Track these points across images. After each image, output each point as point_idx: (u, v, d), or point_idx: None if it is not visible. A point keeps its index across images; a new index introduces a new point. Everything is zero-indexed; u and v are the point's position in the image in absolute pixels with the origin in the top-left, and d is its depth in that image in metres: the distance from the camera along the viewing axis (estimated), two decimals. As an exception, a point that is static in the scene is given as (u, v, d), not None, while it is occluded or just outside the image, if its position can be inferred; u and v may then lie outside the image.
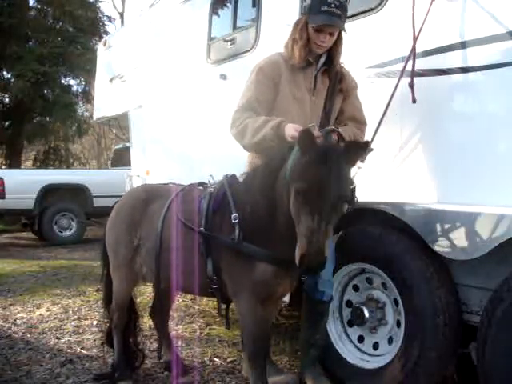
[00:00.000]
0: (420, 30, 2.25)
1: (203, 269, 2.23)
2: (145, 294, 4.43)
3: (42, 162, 16.12)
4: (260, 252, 2.08)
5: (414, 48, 2.26)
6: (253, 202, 2.11)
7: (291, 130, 2.09)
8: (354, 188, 2.06)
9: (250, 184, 2.19)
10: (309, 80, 2.38)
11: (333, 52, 2.37)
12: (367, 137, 2.44)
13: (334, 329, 2.79)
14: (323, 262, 1.70)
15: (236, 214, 2.11)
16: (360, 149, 1.86)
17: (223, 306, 2.36)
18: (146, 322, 3.48)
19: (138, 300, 3.22)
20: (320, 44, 2.30)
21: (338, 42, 2.35)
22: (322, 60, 2.39)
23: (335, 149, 1.84)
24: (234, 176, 2.34)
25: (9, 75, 14.08)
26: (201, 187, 2.48)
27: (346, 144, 1.93)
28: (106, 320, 3.00)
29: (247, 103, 2.36)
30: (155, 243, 2.41)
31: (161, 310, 2.91)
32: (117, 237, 2.67)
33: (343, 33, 2.34)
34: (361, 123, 2.47)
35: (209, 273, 2.21)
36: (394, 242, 2.47)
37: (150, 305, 3.16)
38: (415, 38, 2.26)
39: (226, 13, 4.00)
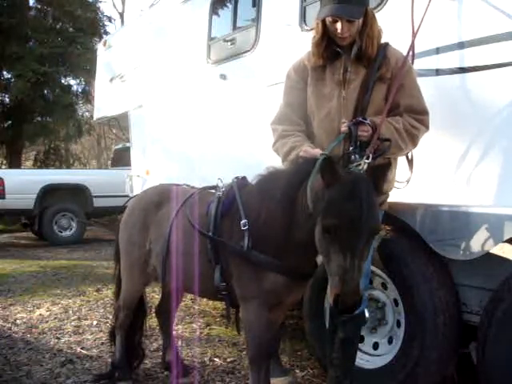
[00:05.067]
0: (418, 28, 2.24)
1: (211, 275, 2.18)
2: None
3: (42, 162, 16.11)
4: (270, 262, 2.00)
5: (413, 46, 2.26)
6: (265, 209, 2.01)
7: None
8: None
9: (263, 189, 2.09)
10: (338, 73, 2.16)
11: (361, 38, 2.10)
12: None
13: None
14: (359, 301, 1.63)
15: (245, 220, 2.03)
16: (384, 171, 1.74)
17: (233, 311, 2.31)
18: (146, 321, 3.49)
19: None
20: (341, 36, 2.08)
21: (365, 25, 2.09)
22: (355, 48, 2.13)
23: (362, 179, 1.69)
24: (244, 178, 2.26)
25: (9, 75, 14.10)
26: (213, 190, 2.40)
27: (371, 170, 1.77)
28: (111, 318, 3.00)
29: (279, 113, 2.32)
30: (163, 246, 2.40)
31: (167, 310, 2.91)
32: (129, 238, 2.66)
33: (372, 14, 2.13)
34: (420, 113, 2.12)
35: (216, 281, 2.16)
36: (393, 242, 2.47)
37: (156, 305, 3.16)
38: (414, 36, 2.25)
39: (225, 13, 4.00)
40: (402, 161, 2.29)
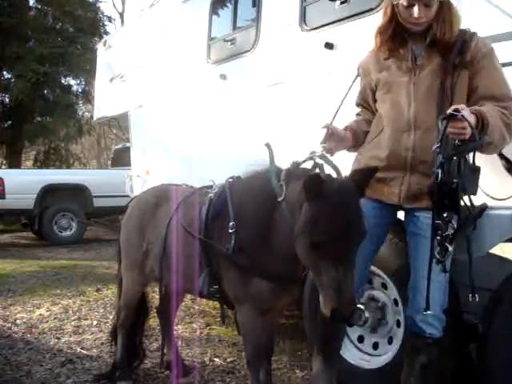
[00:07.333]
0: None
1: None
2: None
3: (42, 162, 16.11)
4: (253, 266, 1.98)
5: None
6: (251, 211, 2.00)
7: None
8: None
9: (250, 190, 2.09)
10: (405, 61, 2.01)
11: (437, 23, 1.92)
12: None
13: (333, 329, 2.78)
14: (355, 311, 1.61)
15: (234, 223, 2.00)
16: (367, 176, 1.71)
17: (232, 311, 2.28)
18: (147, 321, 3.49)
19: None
20: (415, 21, 1.92)
21: (442, 9, 1.91)
22: (431, 34, 1.94)
23: (345, 186, 1.65)
24: (238, 178, 2.23)
25: (9, 75, 14.10)
26: (209, 190, 2.36)
27: (351, 175, 1.73)
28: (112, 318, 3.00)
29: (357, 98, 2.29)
30: (160, 247, 2.39)
31: (167, 309, 2.91)
32: (128, 239, 2.67)
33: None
34: (502, 100, 1.88)
35: (207, 284, 2.14)
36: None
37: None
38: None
39: (225, 13, 4.01)
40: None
